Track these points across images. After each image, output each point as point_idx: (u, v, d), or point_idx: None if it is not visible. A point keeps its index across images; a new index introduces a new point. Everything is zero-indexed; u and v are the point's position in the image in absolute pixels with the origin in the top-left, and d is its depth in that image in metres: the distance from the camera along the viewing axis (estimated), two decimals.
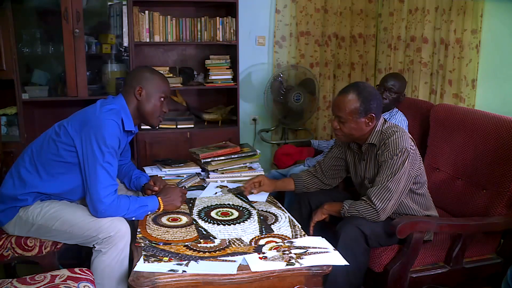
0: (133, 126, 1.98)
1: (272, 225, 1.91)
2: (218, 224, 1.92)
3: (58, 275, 1.60)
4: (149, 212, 1.94)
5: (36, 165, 1.87)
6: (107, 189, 1.78)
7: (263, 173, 2.58)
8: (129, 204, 1.84)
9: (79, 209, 1.88)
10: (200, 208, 2.09)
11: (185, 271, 1.52)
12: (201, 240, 1.76)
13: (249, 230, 1.87)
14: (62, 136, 1.85)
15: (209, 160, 2.49)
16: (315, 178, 2.25)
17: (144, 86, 1.96)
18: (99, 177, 1.78)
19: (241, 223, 1.93)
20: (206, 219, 1.97)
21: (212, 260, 1.60)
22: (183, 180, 2.36)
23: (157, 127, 2.21)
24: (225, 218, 1.98)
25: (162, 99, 2.01)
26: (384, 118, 2.05)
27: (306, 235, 1.83)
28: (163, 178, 2.32)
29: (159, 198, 1.98)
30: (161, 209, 1.99)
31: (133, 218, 1.88)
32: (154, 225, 1.88)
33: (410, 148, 1.90)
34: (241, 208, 2.09)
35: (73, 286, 1.55)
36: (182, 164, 2.55)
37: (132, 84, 1.97)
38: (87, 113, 1.89)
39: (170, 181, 2.36)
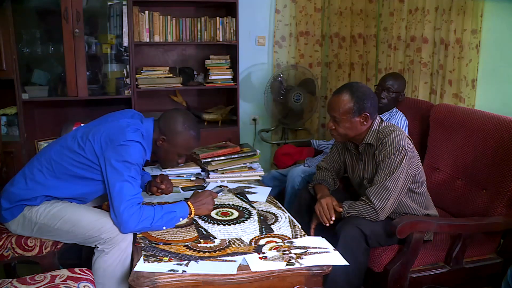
0: (149, 156, 1.95)
1: (272, 225, 1.91)
2: (218, 224, 1.92)
3: (58, 275, 1.60)
4: (180, 219, 1.88)
5: (54, 171, 1.86)
6: (131, 201, 1.75)
7: (263, 173, 2.58)
8: (154, 212, 1.79)
9: (82, 209, 1.87)
10: None
11: (185, 271, 1.52)
12: (201, 240, 1.77)
13: (249, 230, 1.87)
14: (87, 152, 1.82)
15: (209, 160, 2.49)
16: (328, 173, 2.24)
17: (167, 139, 1.91)
18: (123, 190, 1.75)
19: (241, 223, 1.93)
20: (206, 219, 1.97)
21: (212, 260, 1.61)
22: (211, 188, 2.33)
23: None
24: (225, 218, 1.98)
25: (180, 156, 1.99)
26: (381, 118, 2.05)
27: (306, 235, 1.83)
28: None
29: (188, 202, 1.94)
30: (192, 214, 1.94)
31: (164, 228, 1.83)
32: None
33: (408, 146, 1.90)
34: (241, 208, 2.09)
35: (73, 286, 1.55)
36: (182, 164, 2.54)
37: (161, 127, 1.92)
38: (113, 129, 1.83)
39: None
